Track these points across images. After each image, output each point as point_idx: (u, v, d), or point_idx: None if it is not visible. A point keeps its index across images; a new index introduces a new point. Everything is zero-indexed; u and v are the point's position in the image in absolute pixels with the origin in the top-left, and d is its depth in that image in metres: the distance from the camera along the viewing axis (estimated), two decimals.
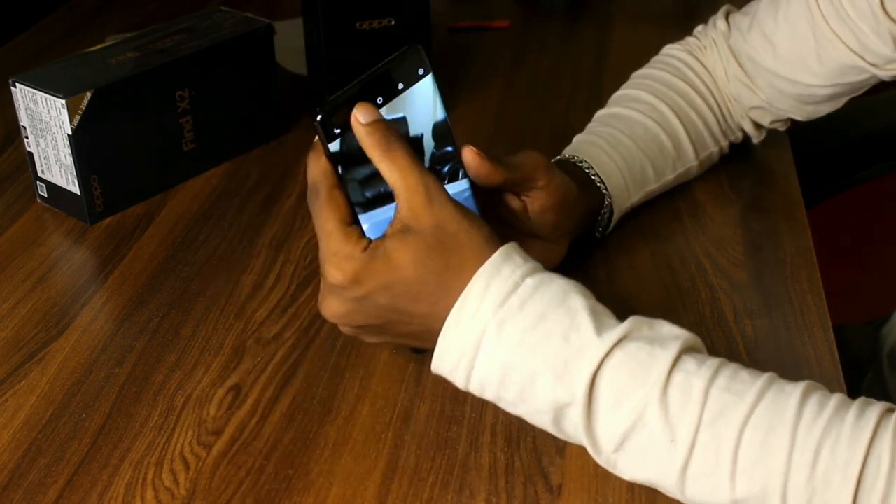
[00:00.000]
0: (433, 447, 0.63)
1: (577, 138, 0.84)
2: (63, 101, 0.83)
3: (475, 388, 0.60)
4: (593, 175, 0.79)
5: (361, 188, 0.63)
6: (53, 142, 0.86)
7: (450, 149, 0.65)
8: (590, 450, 0.58)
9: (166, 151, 0.92)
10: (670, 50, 0.92)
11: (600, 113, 0.88)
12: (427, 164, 0.64)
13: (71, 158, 0.85)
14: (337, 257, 0.60)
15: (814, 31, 0.80)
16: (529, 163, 0.70)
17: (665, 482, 0.56)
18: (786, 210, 0.88)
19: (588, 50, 1.22)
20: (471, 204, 0.66)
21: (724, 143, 0.90)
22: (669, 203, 0.89)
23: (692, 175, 0.89)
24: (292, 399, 0.67)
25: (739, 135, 0.91)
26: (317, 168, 0.62)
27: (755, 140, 0.92)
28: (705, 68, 0.89)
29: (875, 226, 2.07)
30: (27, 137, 0.88)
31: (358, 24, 0.95)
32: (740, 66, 0.87)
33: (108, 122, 0.86)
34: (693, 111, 0.87)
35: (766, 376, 0.56)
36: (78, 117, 0.84)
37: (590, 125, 0.86)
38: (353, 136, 0.61)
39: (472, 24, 1.28)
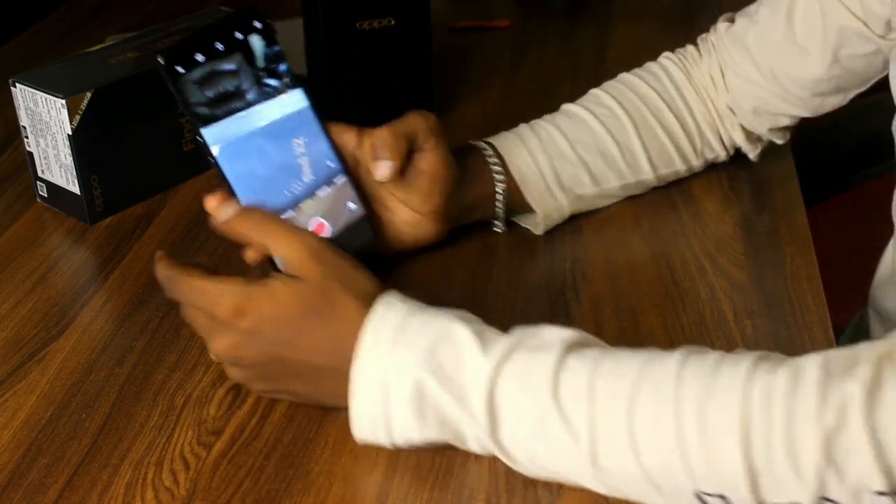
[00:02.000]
0: (433, 447, 0.63)
1: (517, 128, 0.85)
2: (63, 101, 0.83)
3: (400, 438, 0.61)
4: (493, 164, 0.80)
5: (211, 107, 0.68)
6: (53, 142, 0.86)
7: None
8: (512, 466, 0.60)
9: (166, 151, 0.92)
10: (662, 58, 0.91)
11: (563, 107, 0.88)
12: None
13: (71, 158, 0.85)
14: (220, 295, 0.62)
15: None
16: (419, 116, 0.75)
17: (584, 479, 0.58)
18: (786, 210, 0.88)
19: (588, 50, 1.22)
20: (350, 190, 0.74)
21: (696, 163, 0.89)
22: (669, 203, 0.89)
23: (650, 186, 0.88)
24: None
25: (721, 153, 0.90)
26: (162, 265, 0.66)
27: (751, 155, 0.91)
28: (691, 82, 0.88)
29: (873, 227, 2.07)
30: (27, 137, 0.88)
31: (358, 24, 0.95)
32: (743, 54, 0.85)
33: (108, 122, 0.86)
34: (659, 125, 0.86)
35: (643, 352, 0.58)
36: (78, 117, 0.84)
37: (542, 118, 0.86)
38: (195, 77, 0.67)
39: (472, 24, 1.28)
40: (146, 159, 0.91)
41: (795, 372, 0.53)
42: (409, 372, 0.59)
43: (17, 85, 0.86)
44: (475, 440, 0.60)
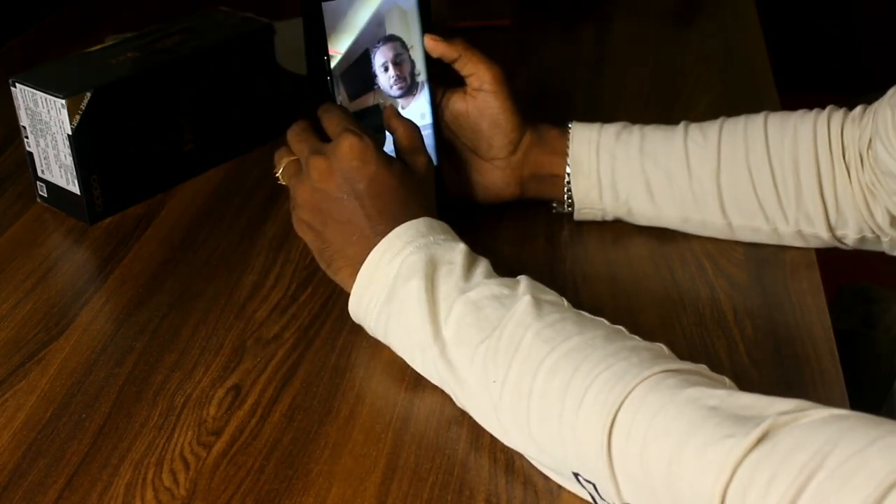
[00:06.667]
0: (433, 447, 0.63)
1: (609, 124, 0.84)
2: (63, 101, 0.83)
3: (379, 329, 0.68)
4: (568, 147, 0.83)
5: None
6: (53, 142, 0.86)
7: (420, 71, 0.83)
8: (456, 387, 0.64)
9: (166, 151, 0.92)
10: (810, 113, 0.79)
11: (683, 124, 0.82)
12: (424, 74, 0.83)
13: (71, 158, 0.85)
14: (355, 131, 0.70)
15: None
16: (485, 64, 0.81)
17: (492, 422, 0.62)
18: None
19: (588, 50, 1.22)
20: (430, 141, 0.82)
21: (784, 228, 0.79)
22: None
23: (724, 232, 0.82)
24: (292, 399, 0.67)
25: (823, 234, 0.79)
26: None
27: (887, 247, 0.79)
28: (817, 146, 0.77)
29: None
30: (27, 137, 0.88)
31: None
32: (889, 126, 0.72)
33: (108, 122, 0.86)
34: (748, 173, 0.78)
35: (587, 328, 0.62)
36: (78, 117, 0.84)
37: (647, 126, 0.83)
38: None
39: (472, 24, 1.28)
40: (146, 159, 0.91)
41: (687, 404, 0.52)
42: (416, 274, 0.65)
43: (17, 85, 0.86)
44: (432, 363, 0.64)
